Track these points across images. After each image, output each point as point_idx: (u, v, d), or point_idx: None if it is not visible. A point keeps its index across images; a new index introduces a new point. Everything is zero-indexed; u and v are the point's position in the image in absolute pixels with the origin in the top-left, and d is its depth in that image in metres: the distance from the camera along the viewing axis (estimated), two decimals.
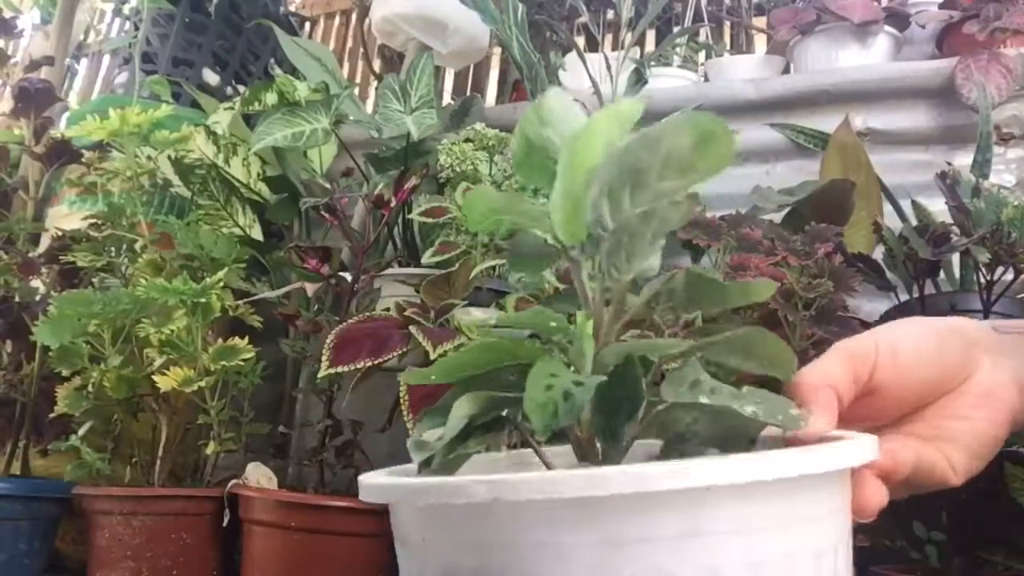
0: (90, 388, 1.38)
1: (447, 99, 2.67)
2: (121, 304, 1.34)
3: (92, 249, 1.55)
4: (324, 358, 1.20)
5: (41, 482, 1.56)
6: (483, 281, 1.23)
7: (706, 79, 2.06)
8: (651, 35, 2.56)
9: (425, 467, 0.55)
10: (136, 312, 1.35)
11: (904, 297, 1.30)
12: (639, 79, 1.55)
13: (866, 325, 1.20)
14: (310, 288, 1.43)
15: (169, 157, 1.68)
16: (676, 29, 2.30)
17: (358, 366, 1.19)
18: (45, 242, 1.81)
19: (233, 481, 1.33)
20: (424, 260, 1.38)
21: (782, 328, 1.06)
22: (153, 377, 1.33)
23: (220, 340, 1.38)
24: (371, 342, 1.21)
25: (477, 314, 0.57)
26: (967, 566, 1.16)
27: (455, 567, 0.48)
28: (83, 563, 1.39)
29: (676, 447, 0.55)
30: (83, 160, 1.73)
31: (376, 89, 1.90)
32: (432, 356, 1.16)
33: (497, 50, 2.65)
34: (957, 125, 1.64)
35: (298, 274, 1.40)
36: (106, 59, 3.09)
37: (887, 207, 1.49)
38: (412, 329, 1.16)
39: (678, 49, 2.19)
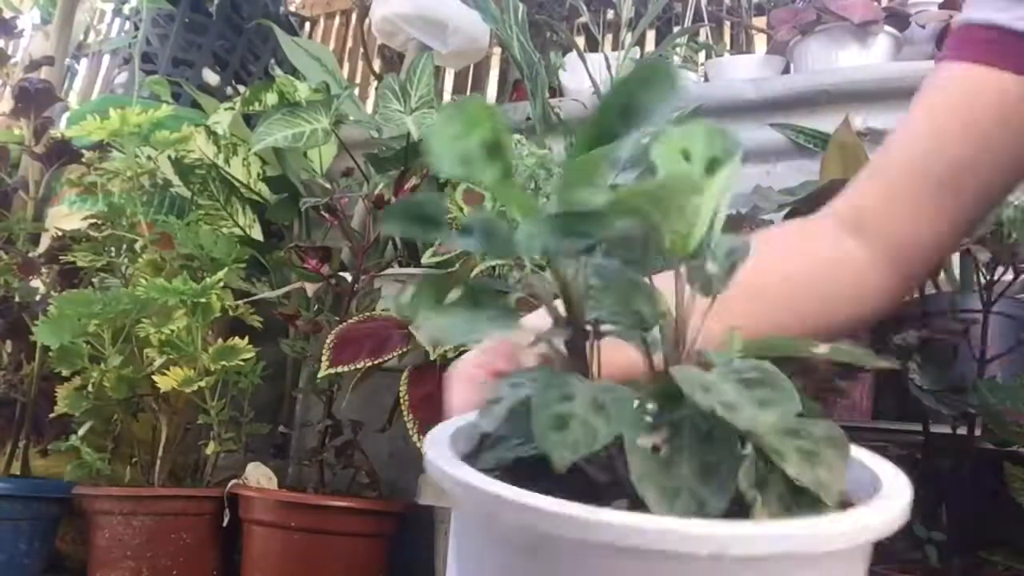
0: (90, 388, 1.38)
1: (447, 99, 2.67)
2: (121, 304, 1.35)
3: (92, 249, 1.56)
4: (324, 358, 1.21)
5: (41, 482, 1.56)
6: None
7: (706, 79, 2.06)
8: (651, 35, 2.56)
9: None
10: (136, 312, 1.35)
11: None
12: None
13: None
14: (310, 288, 1.43)
15: (169, 157, 1.68)
16: (676, 29, 2.30)
17: (358, 366, 1.19)
18: (45, 242, 1.81)
19: (233, 481, 1.33)
20: (424, 260, 1.38)
21: None
22: (153, 377, 1.33)
23: (220, 340, 1.38)
24: (371, 342, 1.21)
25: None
26: (967, 566, 1.16)
27: None
28: (83, 563, 1.39)
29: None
30: (83, 160, 1.73)
31: (376, 89, 1.90)
32: (432, 356, 1.16)
33: (497, 50, 2.65)
34: None
35: (298, 274, 1.40)
36: (106, 59, 3.09)
37: None
38: (412, 329, 1.16)
39: (678, 49, 2.19)
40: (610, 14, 2.36)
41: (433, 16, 1.98)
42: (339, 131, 1.62)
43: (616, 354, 0.50)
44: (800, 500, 0.44)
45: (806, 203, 1.44)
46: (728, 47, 2.39)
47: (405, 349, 1.20)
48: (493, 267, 1.30)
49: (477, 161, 0.45)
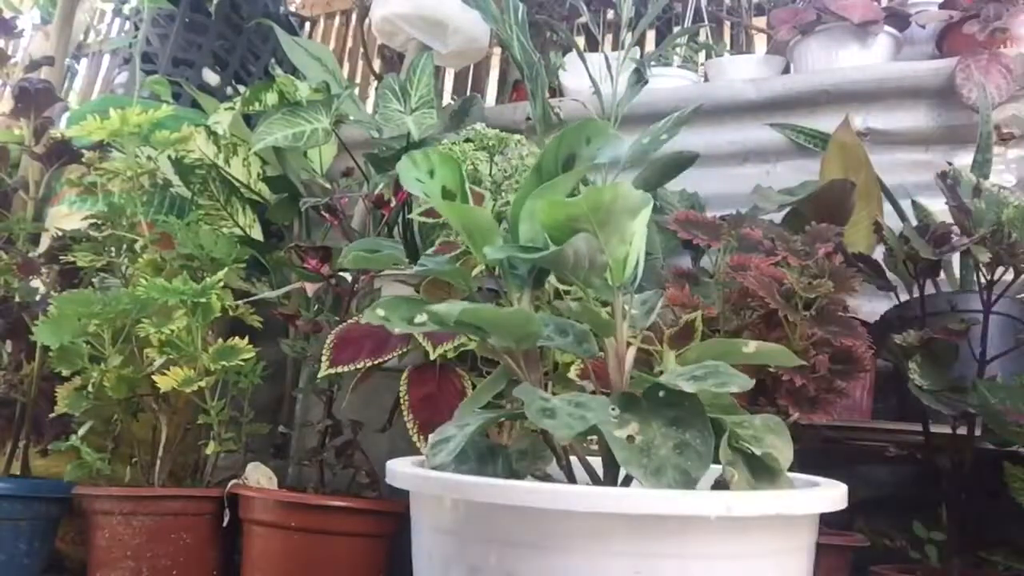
0: (90, 388, 1.38)
1: (447, 99, 2.67)
2: (121, 304, 1.35)
3: (92, 249, 1.55)
4: (324, 358, 1.20)
5: (41, 482, 1.56)
6: (483, 281, 1.23)
7: (706, 79, 2.06)
8: (651, 35, 2.56)
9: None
10: (136, 312, 1.35)
11: (904, 297, 1.30)
12: (639, 79, 1.55)
13: (866, 325, 1.21)
14: (310, 288, 1.43)
15: (169, 157, 1.68)
16: (676, 29, 2.30)
17: (358, 366, 1.19)
18: (45, 242, 1.81)
19: (233, 481, 1.33)
20: (423, 259, 1.38)
21: (782, 328, 1.06)
22: (153, 377, 1.33)
23: (220, 340, 1.38)
24: (371, 342, 1.21)
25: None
26: (967, 566, 1.16)
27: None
28: (83, 563, 1.39)
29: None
30: (83, 160, 1.73)
31: (376, 89, 1.90)
32: (432, 356, 1.16)
33: (497, 50, 2.65)
34: (957, 125, 1.64)
35: (298, 274, 1.40)
36: (106, 59, 3.09)
37: (887, 207, 1.49)
38: None
39: (678, 49, 2.18)
40: (610, 14, 2.36)
41: (433, 16, 1.98)
42: (339, 131, 1.62)
43: None
44: (760, 482, 0.60)
45: (806, 203, 1.44)
46: (728, 47, 2.39)
47: (405, 349, 1.19)
48: (492, 267, 1.30)
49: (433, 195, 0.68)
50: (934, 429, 1.19)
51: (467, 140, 1.40)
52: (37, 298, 1.62)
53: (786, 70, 1.97)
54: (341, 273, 1.36)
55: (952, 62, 1.63)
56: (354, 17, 2.95)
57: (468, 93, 2.76)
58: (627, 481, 0.66)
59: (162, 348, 1.33)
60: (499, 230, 0.68)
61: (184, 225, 1.56)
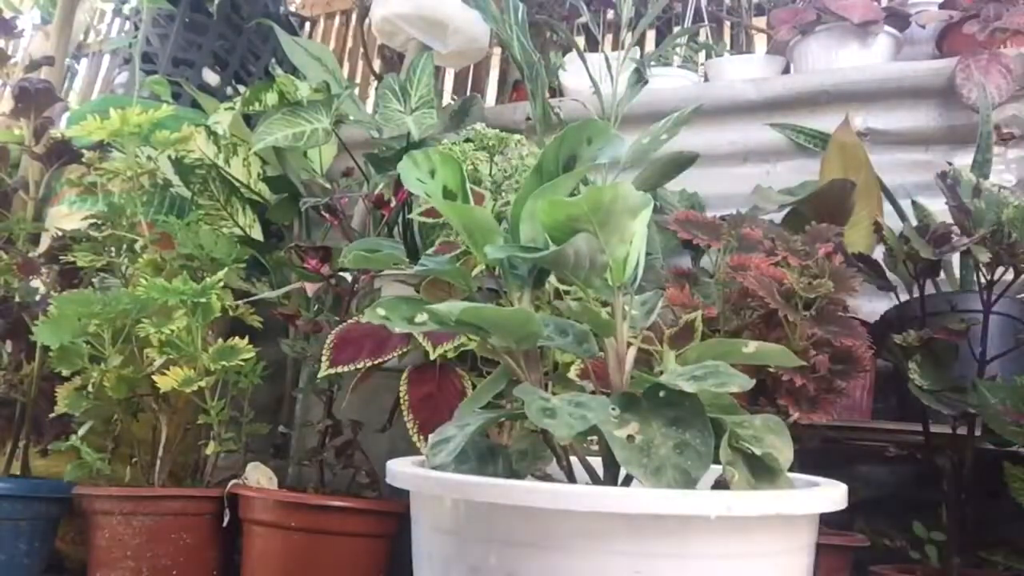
0: (90, 388, 1.38)
1: (447, 99, 2.67)
2: (121, 304, 1.34)
3: (92, 249, 1.55)
4: (324, 358, 1.20)
5: (41, 482, 1.56)
6: (483, 281, 1.23)
7: (706, 79, 2.06)
8: (651, 35, 2.56)
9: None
10: (136, 312, 1.35)
11: (904, 297, 1.30)
12: (639, 79, 1.55)
13: (866, 325, 1.21)
14: (310, 288, 1.43)
15: (169, 157, 1.68)
16: (676, 29, 2.30)
17: (358, 366, 1.19)
18: (45, 242, 1.81)
19: (233, 481, 1.33)
20: (423, 259, 1.38)
21: (782, 328, 1.06)
22: (153, 377, 1.33)
23: (220, 340, 1.38)
24: (371, 342, 1.21)
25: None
26: (967, 566, 1.16)
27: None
28: (83, 563, 1.39)
29: None
30: (83, 160, 1.73)
31: (376, 89, 1.89)
32: (432, 356, 1.16)
33: (497, 50, 2.65)
34: (957, 125, 1.64)
35: (298, 274, 1.40)
36: (106, 59, 3.09)
37: (887, 207, 1.49)
38: None
39: (678, 49, 2.18)
40: (610, 14, 2.36)
41: (433, 16, 1.98)
42: (339, 131, 1.62)
43: None
44: (760, 482, 0.60)
45: (806, 203, 1.44)
46: (728, 47, 2.39)
47: (405, 349, 1.19)
48: (492, 267, 1.30)
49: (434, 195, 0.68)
50: (934, 429, 1.19)
51: (467, 140, 1.40)
52: (37, 298, 1.62)
53: (786, 70, 1.97)
54: (341, 273, 1.36)
55: (952, 62, 1.63)
56: (354, 17, 2.95)
57: (468, 93, 2.76)
58: (627, 481, 0.66)
59: (162, 348, 1.33)
60: (499, 230, 0.68)
61: (184, 225, 1.56)
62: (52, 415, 1.44)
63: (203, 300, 1.31)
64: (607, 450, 0.66)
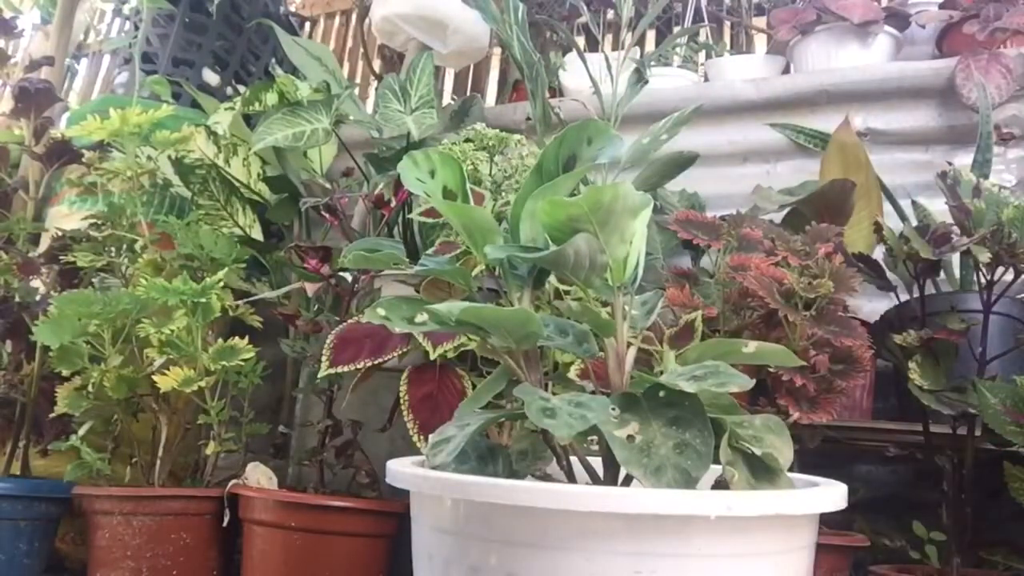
0: (90, 388, 1.38)
1: (447, 99, 2.67)
2: (121, 304, 1.34)
3: (92, 249, 1.55)
4: (324, 358, 1.20)
5: (41, 482, 1.56)
6: (483, 281, 1.23)
7: (706, 79, 2.06)
8: (651, 35, 2.56)
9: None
10: (136, 312, 1.35)
11: (904, 297, 1.30)
12: (639, 79, 1.55)
13: (866, 325, 1.21)
14: (310, 288, 1.43)
15: (169, 157, 1.68)
16: (676, 29, 2.30)
17: (358, 366, 1.19)
18: (45, 242, 1.81)
19: (233, 481, 1.33)
20: (423, 259, 1.38)
21: (782, 328, 1.06)
22: (153, 377, 1.33)
23: (220, 340, 1.38)
24: (371, 342, 1.21)
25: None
26: (967, 566, 1.16)
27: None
28: (83, 563, 1.39)
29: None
30: (83, 160, 1.73)
31: (376, 89, 1.89)
32: (432, 356, 1.16)
33: (497, 50, 2.65)
34: (957, 125, 1.64)
35: (298, 274, 1.40)
36: (106, 59, 3.09)
37: (887, 207, 1.49)
38: None
39: (678, 49, 2.18)
40: (610, 14, 2.36)
41: (433, 16, 1.98)
42: (339, 131, 1.62)
43: None
44: (760, 482, 0.61)
45: (806, 203, 1.44)
46: (728, 47, 2.39)
47: (405, 349, 1.19)
48: (492, 267, 1.30)
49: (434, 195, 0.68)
50: (934, 429, 1.19)
51: (467, 140, 1.40)
52: (37, 298, 1.62)
53: (786, 70, 1.97)
54: (341, 273, 1.36)
55: (952, 62, 1.63)
56: (354, 17, 2.95)
57: (468, 93, 2.76)
58: (627, 481, 0.66)
59: (162, 348, 1.33)
60: (499, 230, 0.68)
61: (184, 225, 1.56)
62: (52, 415, 1.44)
63: (203, 300, 1.31)
64: (607, 450, 0.66)
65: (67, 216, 1.89)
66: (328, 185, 1.56)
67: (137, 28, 2.30)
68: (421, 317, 0.64)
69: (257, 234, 1.77)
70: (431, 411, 1.17)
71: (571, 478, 0.71)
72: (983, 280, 1.17)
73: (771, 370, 1.00)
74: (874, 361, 1.32)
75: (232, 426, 1.42)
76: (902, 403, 1.36)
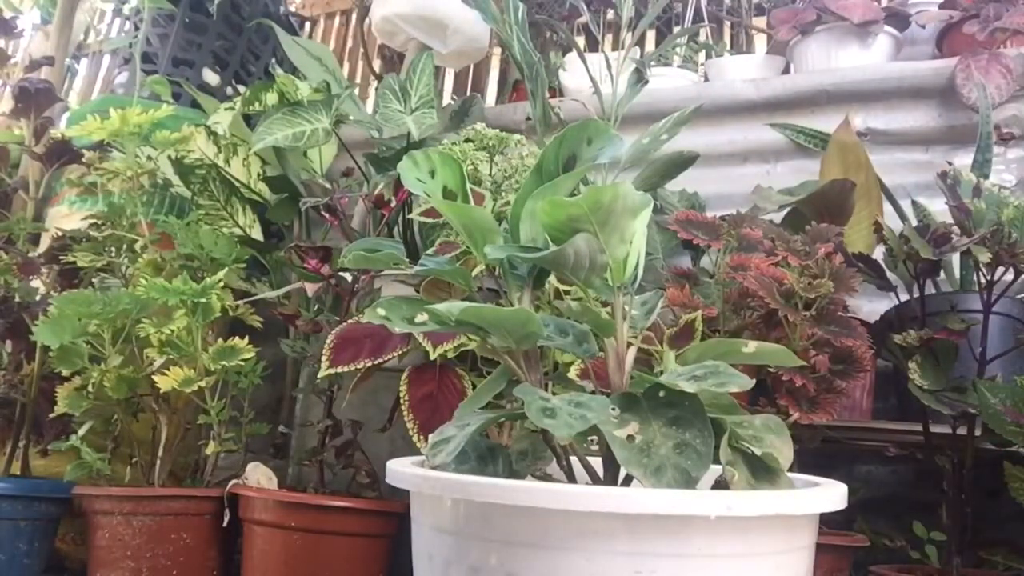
0: (90, 388, 1.38)
1: (447, 99, 2.67)
2: (121, 304, 1.34)
3: (92, 249, 1.55)
4: (324, 358, 1.20)
5: (41, 482, 1.56)
6: (483, 281, 1.23)
7: (706, 79, 2.06)
8: (651, 35, 2.56)
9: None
10: (136, 312, 1.35)
11: (904, 297, 1.30)
12: (639, 79, 1.55)
13: (866, 325, 1.21)
14: (310, 288, 1.43)
15: (169, 157, 1.68)
16: (676, 29, 2.30)
17: (358, 366, 1.19)
18: (45, 242, 1.81)
19: (233, 481, 1.33)
20: (424, 259, 1.38)
21: (782, 328, 1.06)
22: (153, 377, 1.33)
23: (220, 340, 1.38)
24: (371, 342, 1.21)
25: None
26: (967, 566, 1.16)
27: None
28: (83, 563, 1.39)
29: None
30: (83, 160, 1.73)
31: (376, 89, 1.89)
32: (432, 356, 1.16)
33: (497, 50, 2.65)
34: (957, 125, 1.64)
35: (298, 274, 1.40)
36: (106, 59, 3.09)
37: (887, 207, 1.49)
38: None
39: (678, 49, 2.18)
40: (610, 14, 2.36)
41: (433, 16, 1.98)
42: (339, 131, 1.62)
43: None
44: (760, 482, 0.61)
45: (806, 203, 1.44)
46: (728, 47, 2.39)
47: (405, 349, 1.19)
48: (492, 267, 1.30)
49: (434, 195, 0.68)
50: (934, 429, 1.19)
51: (467, 140, 1.40)
52: (37, 298, 1.61)
53: (786, 70, 1.97)
54: (341, 273, 1.36)
55: (952, 62, 1.63)
56: (354, 17, 2.95)
57: (468, 93, 2.76)
58: (627, 481, 0.66)
59: (162, 348, 1.33)
60: (499, 230, 0.68)
61: (184, 225, 1.56)
62: (52, 415, 1.44)
63: (203, 300, 1.31)
64: (607, 450, 0.66)
65: (67, 216, 1.89)
66: (328, 185, 1.56)
67: (137, 28, 2.30)
68: (421, 317, 0.64)
69: (257, 234, 1.77)
70: (431, 411, 1.17)
71: (571, 478, 0.71)
72: (983, 280, 1.17)
73: (771, 370, 1.00)
74: (874, 361, 1.32)
75: (232, 426, 1.42)
76: (902, 403, 1.36)
